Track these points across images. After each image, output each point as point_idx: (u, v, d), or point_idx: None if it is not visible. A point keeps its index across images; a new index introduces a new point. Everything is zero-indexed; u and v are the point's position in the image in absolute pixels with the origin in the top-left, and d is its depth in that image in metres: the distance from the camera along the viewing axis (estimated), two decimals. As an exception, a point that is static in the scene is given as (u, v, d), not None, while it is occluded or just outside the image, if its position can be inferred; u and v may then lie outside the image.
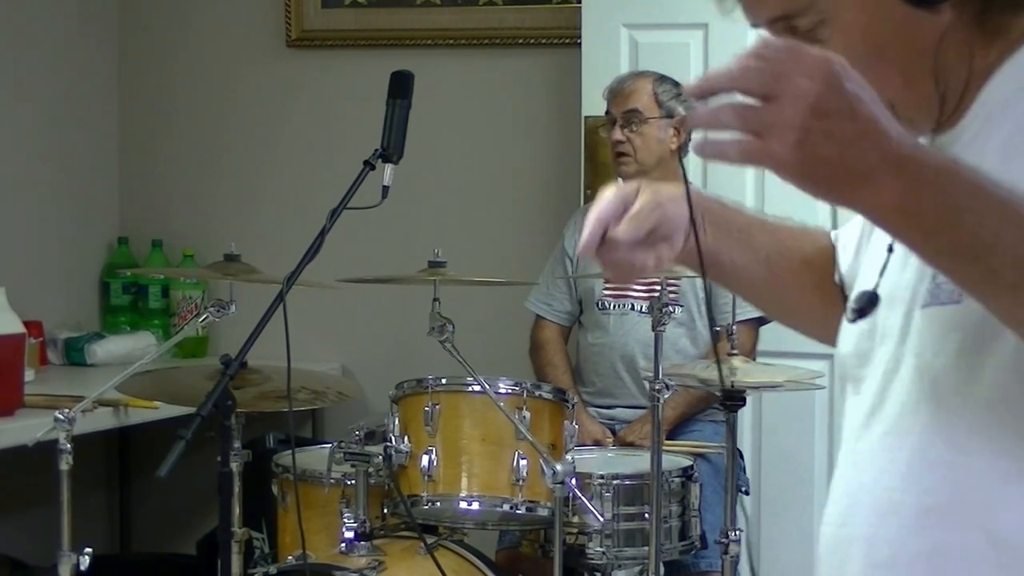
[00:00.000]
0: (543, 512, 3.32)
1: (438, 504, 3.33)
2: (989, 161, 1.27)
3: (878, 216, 1.22)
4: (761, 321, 4.04)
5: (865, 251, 1.56)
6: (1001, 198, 1.19)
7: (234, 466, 3.30)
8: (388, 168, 2.86)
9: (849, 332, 1.52)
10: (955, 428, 1.35)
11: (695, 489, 3.61)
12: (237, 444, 3.35)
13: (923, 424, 1.38)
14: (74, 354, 4.76)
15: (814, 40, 1.33)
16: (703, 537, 3.64)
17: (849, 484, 1.46)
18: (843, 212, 1.30)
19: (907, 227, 1.21)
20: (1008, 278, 1.19)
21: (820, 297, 1.67)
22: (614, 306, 4.25)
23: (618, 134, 4.08)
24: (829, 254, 1.68)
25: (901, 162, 1.17)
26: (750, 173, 4.24)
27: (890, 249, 1.41)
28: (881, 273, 1.42)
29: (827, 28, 1.34)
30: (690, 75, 4.21)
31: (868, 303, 1.40)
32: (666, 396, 3.38)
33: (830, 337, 1.60)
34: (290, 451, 3.38)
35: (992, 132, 1.34)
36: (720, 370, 3.47)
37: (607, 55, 4.47)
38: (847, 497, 1.46)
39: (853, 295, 1.46)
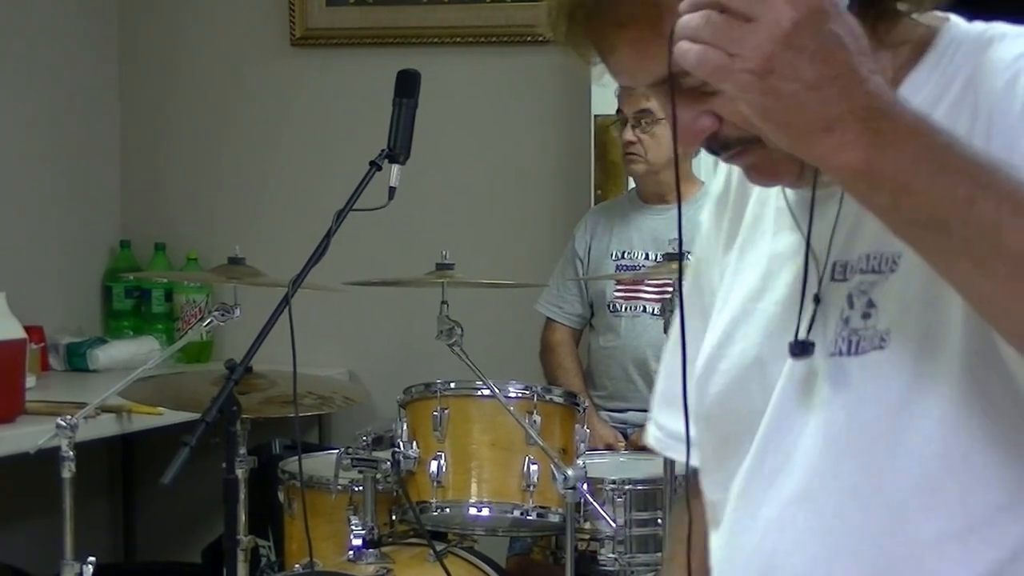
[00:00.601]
0: (554, 518, 3.30)
1: (447, 510, 3.31)
2: None
3: (841, 174, 1.14)
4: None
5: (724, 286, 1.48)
6: (977, 163, 1.13)
7: (240, 473, 3.31)
8: (394, 169, 2.87)
9: (710, 377, 1.44)
10: (885, 488, 1.27)
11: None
12: (242, 450, 3.37)
13: (847, 486, 1.29)
14: (76, 360, 4.73)
15: (705, 94, 1.23)
16: (717, 543, 3.60)
17: (758, 552, 1.35)
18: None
19: (874, 188, 1.13)
20: (978, 250, 1.12)
21: None
22: (625, 308, 4.22)
23: (629, 134, 4.06)
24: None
25: (870, 116, 1.10)
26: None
27: (816, 300, 1.32)
28: (810, 327, 1.32)
29: None
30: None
31: (803, 350, 1.30)
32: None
33: None
34: (296, 457, 3.35)
35: None
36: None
37: (617, 53, 4.42)
38: (758, 566, 1.35)
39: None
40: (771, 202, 1.44)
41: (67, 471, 3.16)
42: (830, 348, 1.30)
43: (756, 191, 1.47)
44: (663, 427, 1.65)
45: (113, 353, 4.73)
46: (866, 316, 1.28)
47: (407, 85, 2.90)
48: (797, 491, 1.32)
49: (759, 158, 1.28)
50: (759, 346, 1.38)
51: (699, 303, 1.56)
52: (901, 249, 1.26)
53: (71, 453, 3.15)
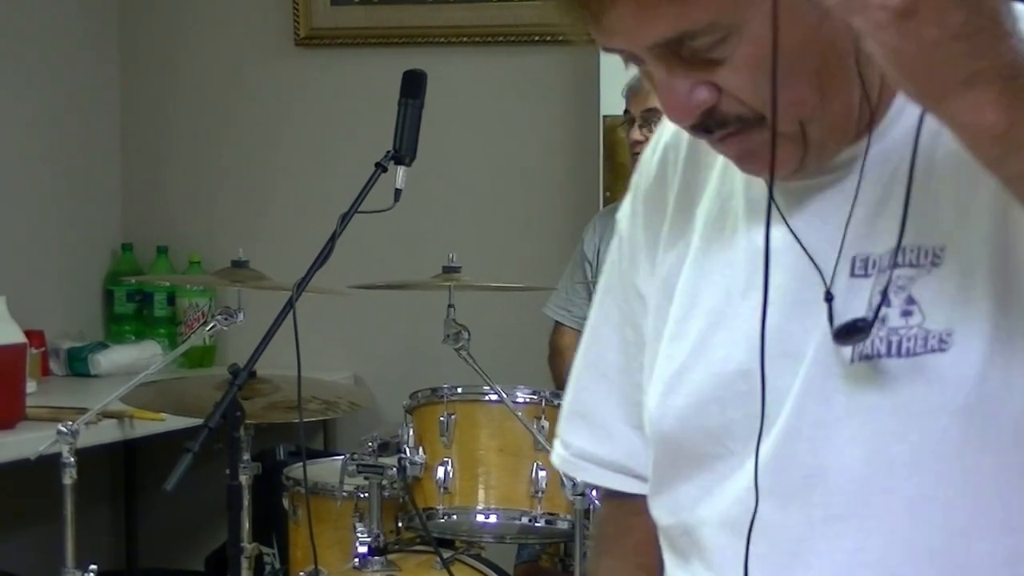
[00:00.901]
0: (563, 525, 3.27)
1: (454, 517, 3.29)
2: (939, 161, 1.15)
3: (974, 134, 1.02)
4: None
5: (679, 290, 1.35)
6: None
7: (243, 479, 3.30)
8: (400, 170, 2.89)
9: (675, 389, 1.31)
10: (949, 506, 1.16)
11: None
12: (246, 456, 3.36)
13: (900, 505, 1.17)
14: (77, 364, 4.71)
15: (707, 62, 1.14)
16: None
17: None
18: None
19: (1010, 153, 1.01)
20: None
21: None
22: (634, 311, 4.18)
23: (637, 134, 4.01)
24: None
25: (1015, 75, 0.98)
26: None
27: (828, 297, 1.20)
28: (830, 318, 1.20)
29: (728, 45, 1.13)
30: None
31: (855, 331, 1.17)
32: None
33: None
34: (301, 463, 3.35)
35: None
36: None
37: (625, 53, 4.40)
38: None
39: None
40: (738, 194, 1.31)
41: (68, 477, 3.15)
42: (864, 350, 1.18)
43: (713, 183, 1.34)
44: (570, 445, 1.51)
45: (115, 358, 4.71)
46: (907, 314, 1.17)
47: (413, 85, 2.90)
48: (835, 512, 1.20)
49: (757, 142, 1.17)
50: (746, 353, 1.24)
51: (616, 307, 1.46)
52: (944, 240, 1.18)
53: (72, 459, 3.14)
